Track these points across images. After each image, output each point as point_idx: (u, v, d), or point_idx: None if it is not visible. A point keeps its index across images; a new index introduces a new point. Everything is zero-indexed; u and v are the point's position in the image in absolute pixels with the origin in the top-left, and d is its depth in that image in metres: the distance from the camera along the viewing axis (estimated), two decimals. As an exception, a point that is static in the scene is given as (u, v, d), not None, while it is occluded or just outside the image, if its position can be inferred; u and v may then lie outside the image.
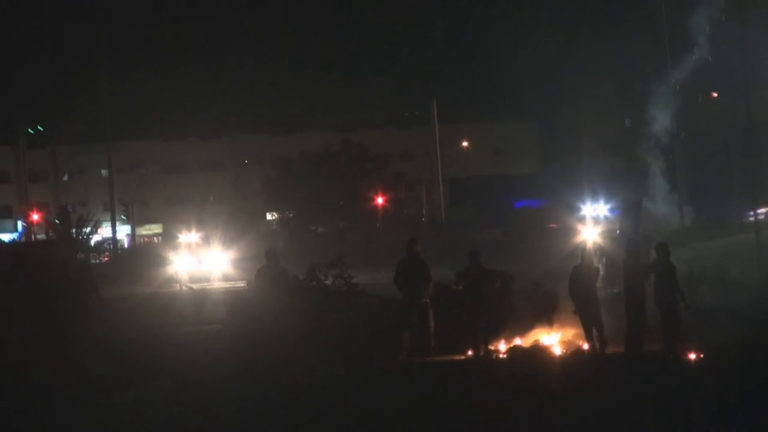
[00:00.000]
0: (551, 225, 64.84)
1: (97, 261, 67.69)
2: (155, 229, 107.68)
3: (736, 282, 27.62)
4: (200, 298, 37.04)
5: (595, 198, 60.84)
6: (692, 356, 19.69)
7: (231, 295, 26.69)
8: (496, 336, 21.82)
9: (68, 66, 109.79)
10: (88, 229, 75.40)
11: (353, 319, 22.44)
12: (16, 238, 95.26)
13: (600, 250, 35.29)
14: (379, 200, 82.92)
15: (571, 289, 21.91)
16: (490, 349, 21.39)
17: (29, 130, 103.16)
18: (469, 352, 21.39)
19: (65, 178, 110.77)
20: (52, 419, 17.36)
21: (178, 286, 43.44)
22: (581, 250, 22.91)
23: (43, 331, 21.04)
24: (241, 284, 35.89)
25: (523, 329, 22.18)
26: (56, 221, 76.11)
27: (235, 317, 22.93)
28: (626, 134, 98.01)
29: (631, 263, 21.34)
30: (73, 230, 72.72)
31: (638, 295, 20.90)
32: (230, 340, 22.44)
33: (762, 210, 70.58)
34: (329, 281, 23.84)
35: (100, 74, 75.08)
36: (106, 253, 76.81)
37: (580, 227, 53.59)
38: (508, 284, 23.15)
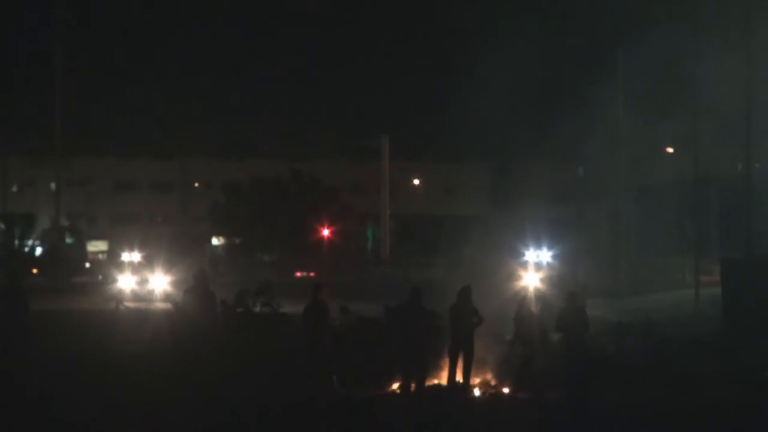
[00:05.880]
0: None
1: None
2: (101, 246, 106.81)
3: (664, 336, 27.74)
4: (140, 317, 36.78)
5: (538, 244, 61.14)
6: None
7: (164, 314, 26.55)
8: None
9: (23, 76, 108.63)
10: (31, 242, 74.69)
11: (276, 348, 22.29)
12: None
13: (541, 297, 35.57)
14: (326, 232, 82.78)
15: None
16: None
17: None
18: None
19: (14, 189, 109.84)
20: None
21: (114, 305, 43.09)
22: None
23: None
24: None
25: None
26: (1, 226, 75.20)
27: (162, 336, 22.80)
28: (578, 182, 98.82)
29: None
30: (16, 241, 72.12)
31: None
32: (156, 357, 22.32)
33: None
34: (257, 308, 23.76)
35: (55, 87, 74.90)
36: None
37: (522, 272, 54.06)
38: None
